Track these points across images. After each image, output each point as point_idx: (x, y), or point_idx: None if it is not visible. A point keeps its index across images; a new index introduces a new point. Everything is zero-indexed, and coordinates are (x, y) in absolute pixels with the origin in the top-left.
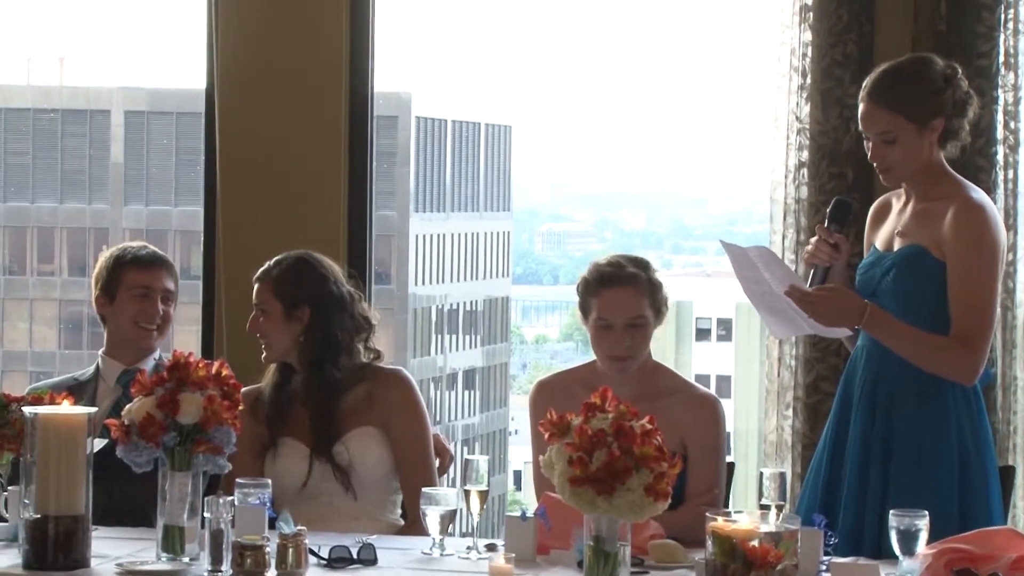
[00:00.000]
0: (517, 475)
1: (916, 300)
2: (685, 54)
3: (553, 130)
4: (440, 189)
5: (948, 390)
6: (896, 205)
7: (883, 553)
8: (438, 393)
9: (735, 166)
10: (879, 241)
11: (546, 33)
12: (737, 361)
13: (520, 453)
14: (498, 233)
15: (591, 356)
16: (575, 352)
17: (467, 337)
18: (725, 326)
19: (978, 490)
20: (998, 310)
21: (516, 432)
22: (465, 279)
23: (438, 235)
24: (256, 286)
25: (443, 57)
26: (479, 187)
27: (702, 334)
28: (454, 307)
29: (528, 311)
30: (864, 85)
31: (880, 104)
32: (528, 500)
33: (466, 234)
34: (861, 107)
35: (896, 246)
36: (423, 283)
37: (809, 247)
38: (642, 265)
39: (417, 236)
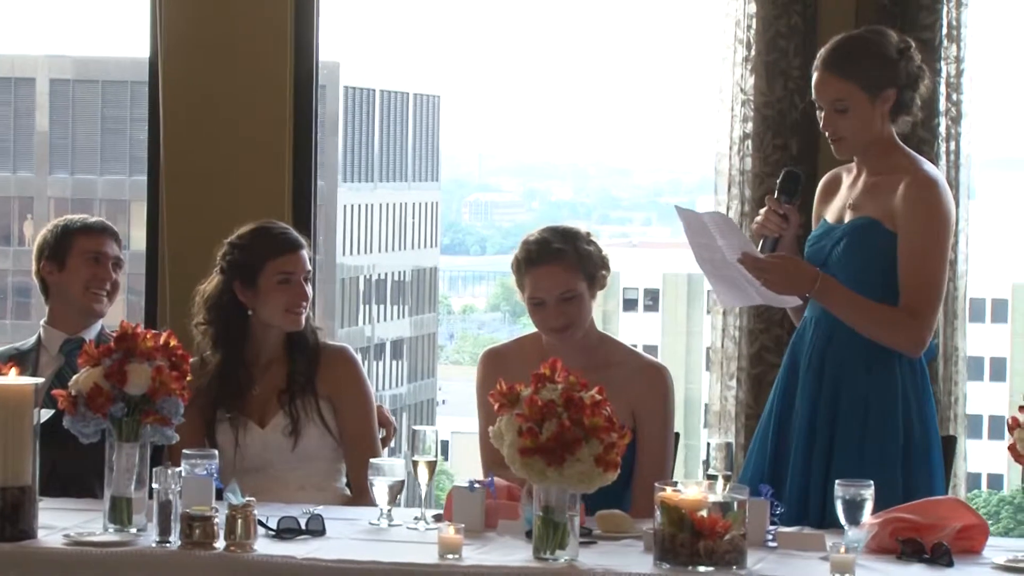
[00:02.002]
0: (444, 445)
1: (866, 271)
2: (621, 26)
3: (482, 100)
4: (368, 159)
5: (896, 362)
6: (847, 179)
7: (827, 521)
8: (366, 363)
9: (663, 137)
10: (829, 214)
11: (475, 2)
12: (664, 331)
13: (448, 423)
14: (426, 203)
15: (518, 326)
16: (502, 322)
17: (395, 307)
18: (652, 296)
19: (922, 461)
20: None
21: (444, 402)
22: (393, 249)
23: (366, 205)
24: (303, 253)
25: (372, 26)
26: (407, 157)
27: (629, 304)
28: (382, 277)
29: (455, 281)
30: (819, 54)
31: (833, 72)
32: (457, 470)
33: (394, 204)
34: (815, 76)
35: (847, 218)
36: (351, 253)
37: (758, 218)
38: (570, 237)
39: (345, 206)
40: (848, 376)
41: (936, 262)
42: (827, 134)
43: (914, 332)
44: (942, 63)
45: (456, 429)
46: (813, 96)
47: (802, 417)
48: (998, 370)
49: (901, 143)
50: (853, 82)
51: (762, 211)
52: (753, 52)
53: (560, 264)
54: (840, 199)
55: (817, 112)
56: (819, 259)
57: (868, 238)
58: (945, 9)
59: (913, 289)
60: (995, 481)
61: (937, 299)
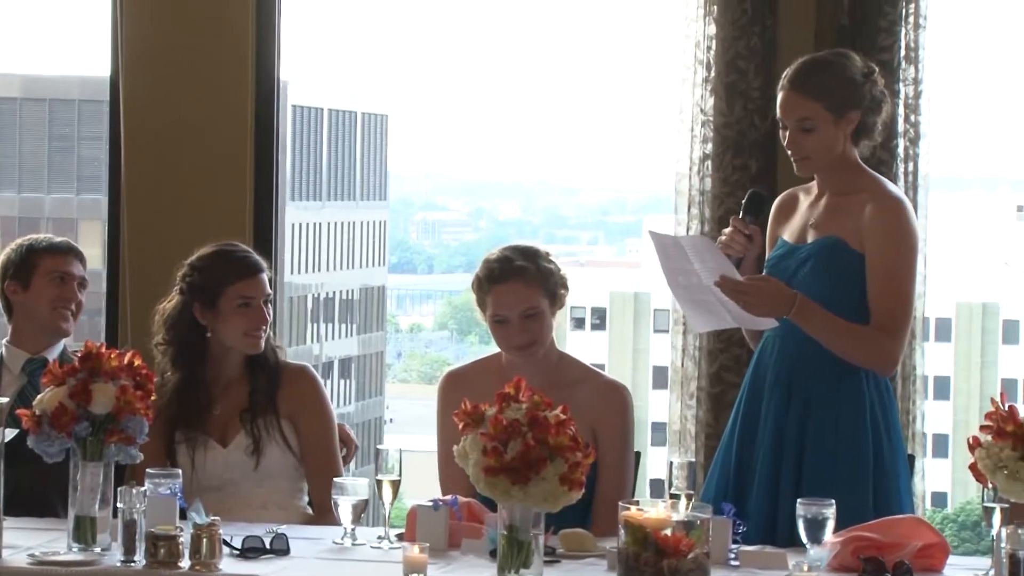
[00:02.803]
0: None
1: (833, 290)
2: (569, 46)
3: (429, 119)
4: (316, 178)
5: (863, 380)
6: (805, 199)
7: (796, 541)
8: None
9: (610, 157)
10: (788, 234)
11: (424, 21)
12: (611, 349)
13: (395, 442)
14: (374, 222)
15: (465, 344)
16: (449, 340)
17: (343, 326)
18: (599, 315)
19: (891, 476)
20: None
21: (391, 420)
22: (341, 268)
23: (314, 224)
24: (263, 276)
25: (319, 46)
26: (355, 176)
27: (576, 323)
28: (330, 296)
29: (403, 300)
30: (785, 74)
31: (800, 92)
32: (405, 488)
33: (342, 223)
34: (781, 95)
35: (810, 239)
36: (299, 272)
37: (723, 238)
38: (531, 255)
39: (293, 225)
40: (818, 391)
41: (906, 281)
42: (790, 152)
43: (888, 350)
44: (900, 85)
45: (404, 447)
46: (778, 115)
47: (768, 434)
48: (942, 389)
49: (863, 164)
50: (819, 102)
51: (726, 231)
52: (713, 73)
53: (522, 281)
54: (800, 219)
55: (781, 131)
56: (783, 279)
57: (834, 258)
58: (903, 31)
59: (884, 309)
60: (939, 499)
61: (907, 318)
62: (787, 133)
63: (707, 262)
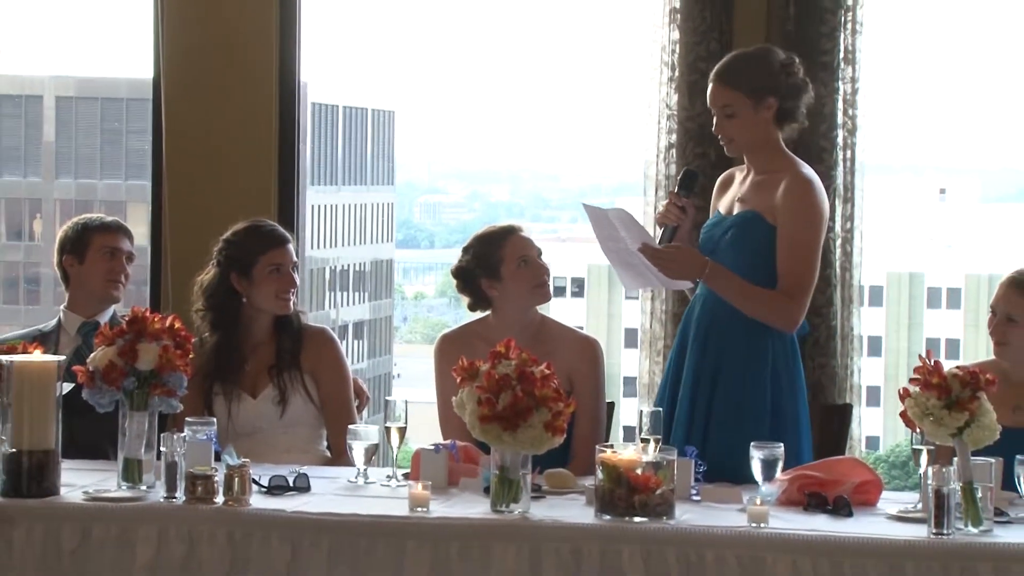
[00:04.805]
0: None
1: (749, 257)
2: (553, 50)
3: (431, 115)
4: (332, 166)
5: (769, 339)
6: (739, 176)
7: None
8: None
9: (587, 147)
10: (722, 206)
11: (427, 31)
12: (588, 314)
13: (402, 394)
14: (383, 204)
15: (462, 310)
16: (448, 307)
17: (356, 294)
18: (578, 284)
19: (791, 427)
20: (823, 270)
21: (399, 376)
22: (354, 243)
23: (330, 205)
24: (290, 247)
25: (335, 51)
26: (366, 164)
27: (558, 291)
28: (345, 268)
29: (408, 271)
30: (714, 68)
31: (722, 82)
32: (410, 435)
33: (355, 204)
34: (709, 87)
35: (736, 211)
36: (318, 247)
37: (660, 208)
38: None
39: (312, 206)
40: (728, 350)
41: (810, 251)
42: (719, 136)
43: (789, 313)
44: (840, 83)
45: (409, 399)
46: (708, 104)
47: (688, 380)
48: (875, 347)
49: (784, 147)
50: (738, 91)
51: (663, 203)
52: (676, 73)
53: (526, 233)
54: (731, 193)
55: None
56: (710, 245)
57: (751, 230)
58: (842, 36)
59: (789, 274)
60: (872, 443)
61: (810, 284)
62: (715, 119)
63: (631, 231)
